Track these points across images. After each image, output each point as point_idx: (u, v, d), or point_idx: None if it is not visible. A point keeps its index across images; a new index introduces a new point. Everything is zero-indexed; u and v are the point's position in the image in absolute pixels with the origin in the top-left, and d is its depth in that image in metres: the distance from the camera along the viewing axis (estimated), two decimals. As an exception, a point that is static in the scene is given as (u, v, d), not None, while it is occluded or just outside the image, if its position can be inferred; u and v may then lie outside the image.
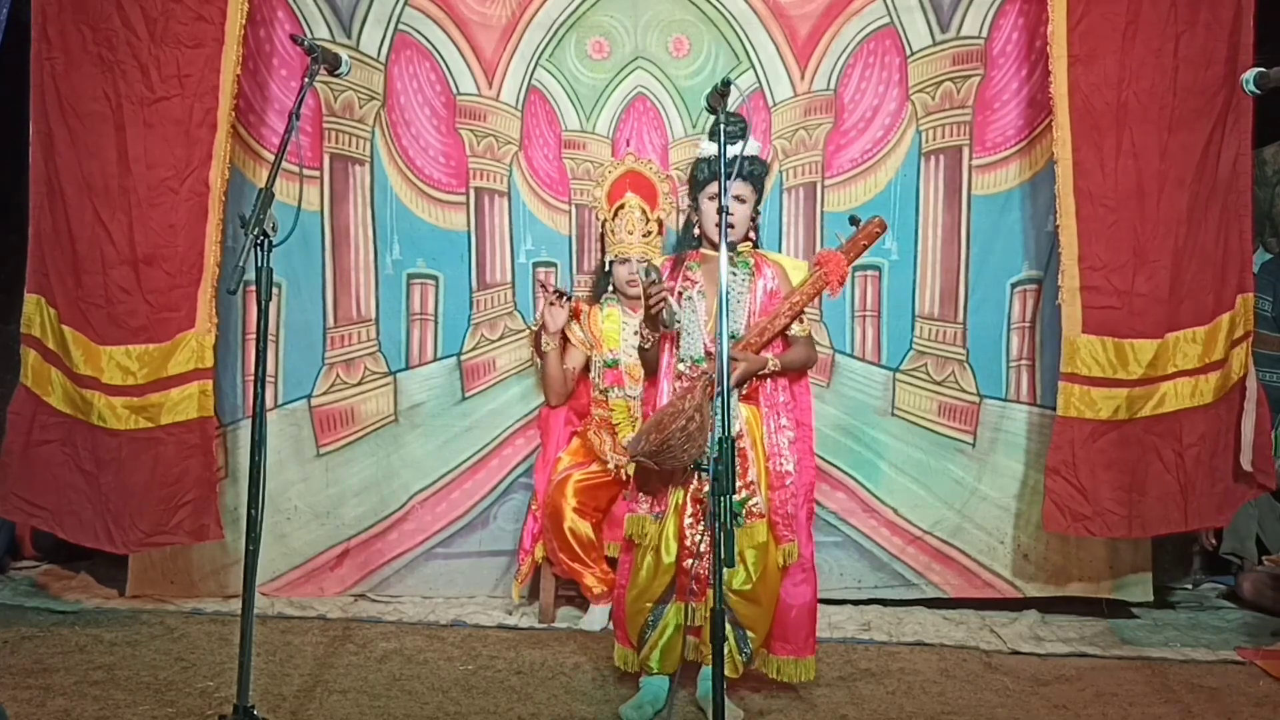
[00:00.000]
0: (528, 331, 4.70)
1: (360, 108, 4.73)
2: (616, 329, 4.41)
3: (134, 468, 4.22)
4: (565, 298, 4.42)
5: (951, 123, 4.62)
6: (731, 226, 3.40)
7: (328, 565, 4.71)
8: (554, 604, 4.44)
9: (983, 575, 4.60)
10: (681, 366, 3.52)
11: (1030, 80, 4.51)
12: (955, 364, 4.64)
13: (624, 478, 4.31)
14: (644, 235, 4.36)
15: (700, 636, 3.41)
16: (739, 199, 3.53)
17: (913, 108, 4.63)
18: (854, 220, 3.59)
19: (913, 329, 4.66)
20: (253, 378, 3.02)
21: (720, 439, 2.80)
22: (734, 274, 3.53)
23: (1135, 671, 3.89)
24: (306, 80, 3.16)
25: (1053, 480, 4.13)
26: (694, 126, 4.72)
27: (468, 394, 4.77)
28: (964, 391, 4.63)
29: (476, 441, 4.75)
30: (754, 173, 3.57)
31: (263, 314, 2.95)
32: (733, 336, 3.45)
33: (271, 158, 4.47)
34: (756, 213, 3.63)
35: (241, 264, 2.86)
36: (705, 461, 3.26)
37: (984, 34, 4.58)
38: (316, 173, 4.70)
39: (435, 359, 4.78)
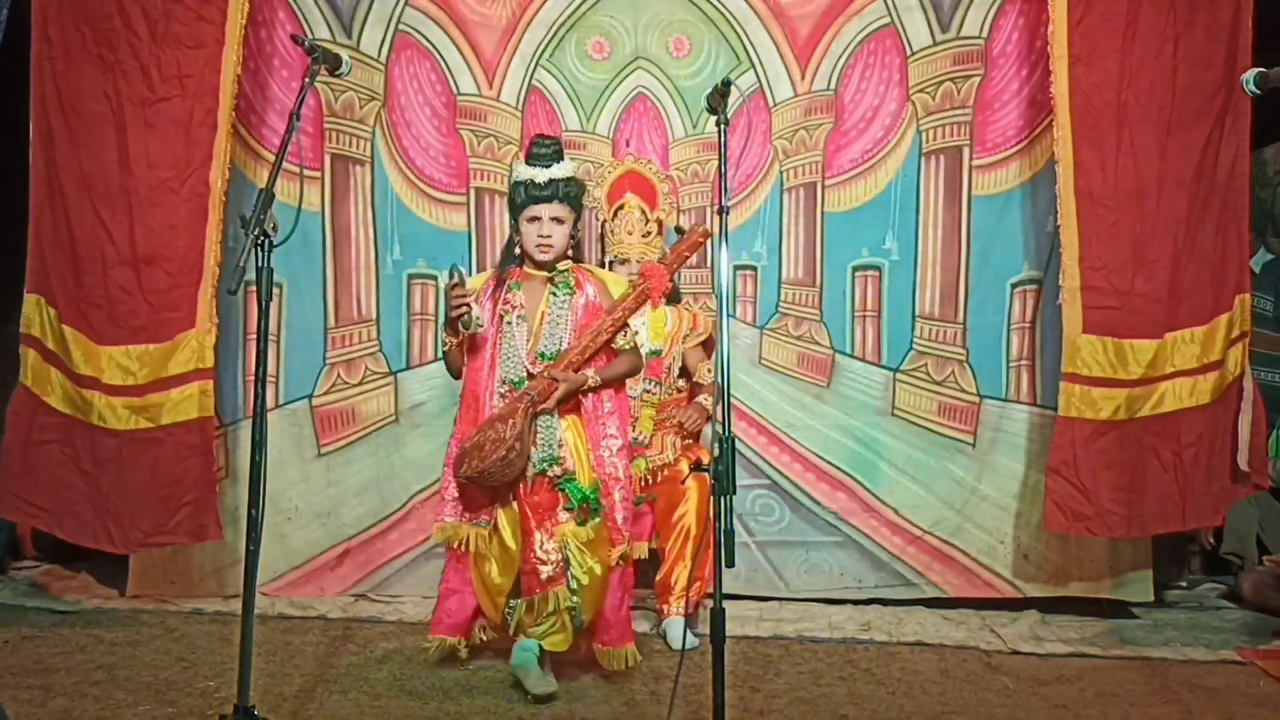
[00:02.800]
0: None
1: (361, 108, 4.73)
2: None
3: (134, 468, 4.22)
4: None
5: (952, 123, 4.62)
6: (550, 247, 3.64)
7: (328, 565, 4.71)
8: (554, 604, 4.43)
9: (983, 575, 4.60)
10: (502, 389, 3.64)
11: (1030, 80, 4.51)
12: (955, 364, 4.64)
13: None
14: (644, 235, 4.36)
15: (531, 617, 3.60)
16: (557, 220, 3.67)
17: (913, 108, 4.64)
18: (678, 229, 3.74)
19: (913, 329, 4.66)
20: (253, 378, 3.02)
21: (721, 440, 2.80)
22: (554, 293, 3.69)
23: (1135, 671, 3.89)
24: (307, 80, 3.17)
25: (1053, 480, 4.13)
26: (694, 127, 4.72)
27: (468, 394, 4.76)
28: (964, 392, 4.63)
29: (477, 441, 4.75)
30: (570, 194, 3.70)
31: (263, 314, 2.95)
32: (544, 355, 3.63)
33: (272, 158, 4.46)
34: (576, 230, 3.76)
35: (242, 264, 2.87)
36: (537, 472, 3.57)
37: (984, 34, 4.58)
38: (317, 173, 4.71)
39: (436, 359, 4.77)
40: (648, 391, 4.36)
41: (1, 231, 4.76)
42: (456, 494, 3.66)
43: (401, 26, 4.73)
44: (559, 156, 3.71)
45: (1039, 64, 4.40)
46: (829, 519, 4.67)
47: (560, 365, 3.59)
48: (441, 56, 4.75)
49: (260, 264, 2.92)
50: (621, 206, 4.37)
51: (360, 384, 4.76)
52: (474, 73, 4.76)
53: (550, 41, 4.73)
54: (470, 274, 4.71)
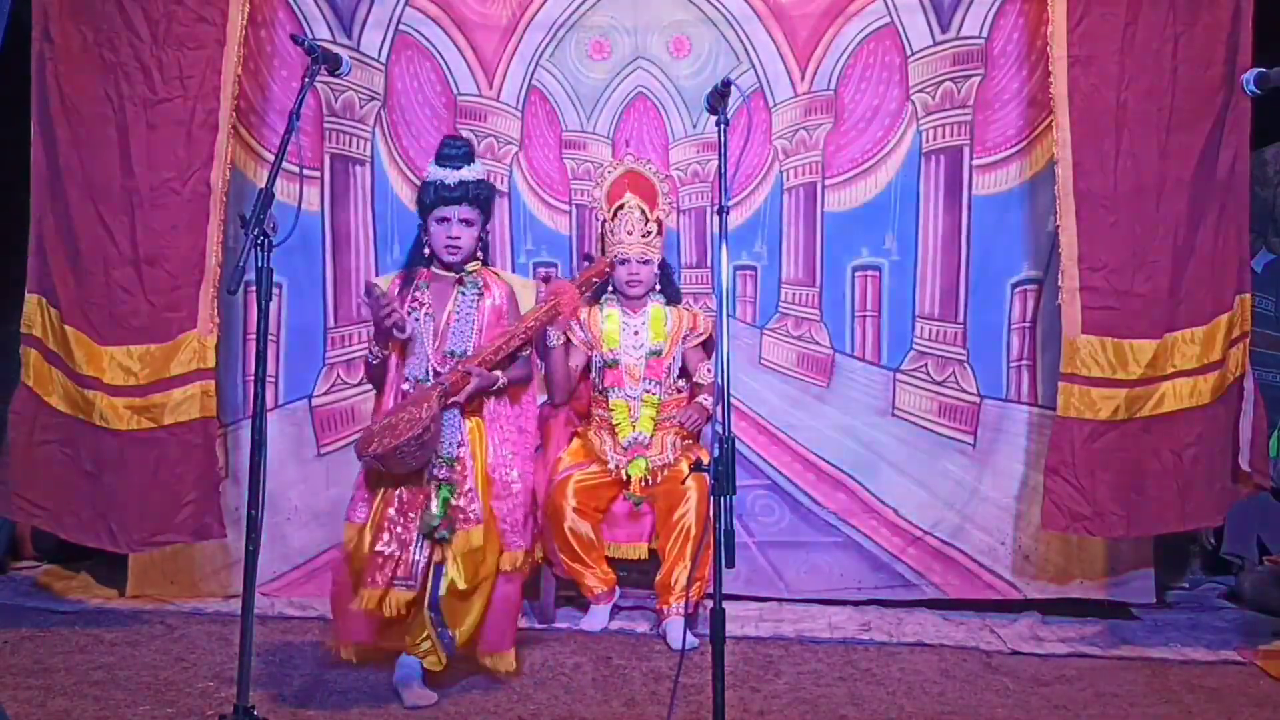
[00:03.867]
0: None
1: (361, 108, 4.74)
2: (616, 329, 4.41)
3: (136, 468, 4.23)
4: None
5: (952, 123, 4.62)
6: (458, 249, 3.66)
7: (328, 566, 4.71)
8: (554, 604, 4.43)
9: (983, 576, 4.59)
10: (406, 386, 3.63)
11: (1030, 80, 4.51)
12: (955, 364, 4.64)
13: (624, 478, 4.32)
14: (643, 235, 4.36)
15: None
16: (466, 222, 3.69)
17: (913, 108, 4.63)
18: (587, 257, 3.92)
19: (913, 329, 4.66)
20: (253, 378, 3.02)
21: (721, 440, 2.80)
22: (462, 293, 3.71)
23: (1135, 672, 3.89)
24: (307, 81, 3.17)
25: (1052, 480, 4.13)
26: (694, 127, 4.72)
27: (468, 394, 4.76)
28: (964, 392, 4.63)
29: (477, 442, 4.75)
30: (479, 195, 3.72)
31: (263, 314, 2.95)
32: (454, 353, 3.64)
33: (272, 158, 4.46)
34: (485, 232, 3.77)
35: (242, 264, 2.87)
36: (430, 471, 3.53)
37: (984, 34, 4.57)
38: (317, 173, 4.71)
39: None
40: (648, 391, 4.37)
41: (3, 232, 4.77)
42: (364, 495, 3.60)
43: (401, 27, 4.73)
44: (469, 158, 3.72)
45: (1039, 64, 4.40)
46: (829, 519, 4.67)
47: (473, 362, 3.59)
48: (441, 57, 4.75)
49: (260, 264, 2.92)
50: (621, 207, 4.37)
51: (360, 384, 4.75)
52: (474, 73, 4.76)
53: (550, 42, 4.73)
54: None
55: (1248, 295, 4.19)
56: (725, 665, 2.80)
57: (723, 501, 2.78)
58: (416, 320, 3.65)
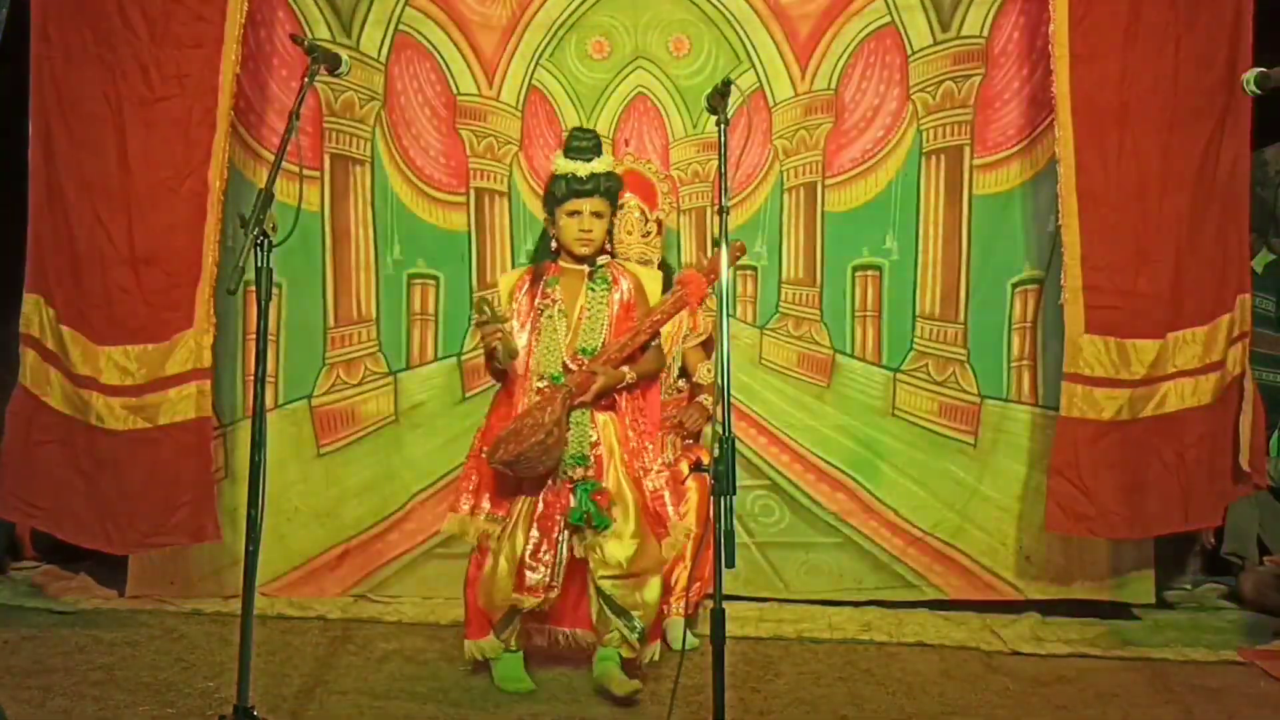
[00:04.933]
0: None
1: (360, 108, 4.73)
2: (617, 329, 4.40)
3: (132, 468, 4.22)
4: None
5: (952, 122, 4.61)
6: (590, 242, 3.64)
7: (328, 565, 4.71)
8: (554, 604, 4.42)
9: (984, 577, 4.59)
10: (539, 384, 3.61)
11: (1031, 80, 4.50)
12: (956, 364, 4.63)
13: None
14: (643, 235, 4.35)
15: (556, 624, 3.65)
16: (597, 214, 3.66)
17: (913, 107, 4.63)
18: (717, 242, 3.66)
19: (913, 329, 4.65)
20: (253, 378, 3.02)
21: (722, 440, 2.80)
22: (592, 288, 3.68)
23: (1136, 672, 3.89)
24: (306, 80, 3.16)
25: (1055, 481, 4.13)
26: (694, 127, 4.72)
27: (468, 394, 4.76)
28: (965, 392, 4.62)
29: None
30: (611, 188, 3.69)
31: (263, 314, 2.94)
32: (585, 351, 3.61)
33: (271, 158, 4.47)
34: (612, 225, 3.76)
35: (241, 264, 2.86)
36: (564, 472, 3.54)
37: (985, 33, 4.57)
38: (317, 173, 4.71)
39: (436, 359, 4.78)
40: (648, 391, 4.37)
41: (1, 232, 4.76)
42: (475, 485, 3.64)
43: (401, 26, 4.72)
44: (599, 150, 3.68)
45: (1040, 63, 4.40)
46: (829, 520, 4.66)
47: (599, 361, 3.57)
48: (441, 56, 4.75)
49: (259, 264, 2.92)
50: (621, 206, 4.36)
51: (360, 384, 4.75)
52: (474, 72, 4.75)
53: (550, 41, 4.73)
54: (470, 274, 4.74)
55: (1248, 295, 4.20)
56: (725, 666, 2.80)
57: (723, 501, 2.78)
58: (549, 317, 3.63)
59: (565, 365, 3.61)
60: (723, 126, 3.01)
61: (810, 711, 3.50)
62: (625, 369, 3.62)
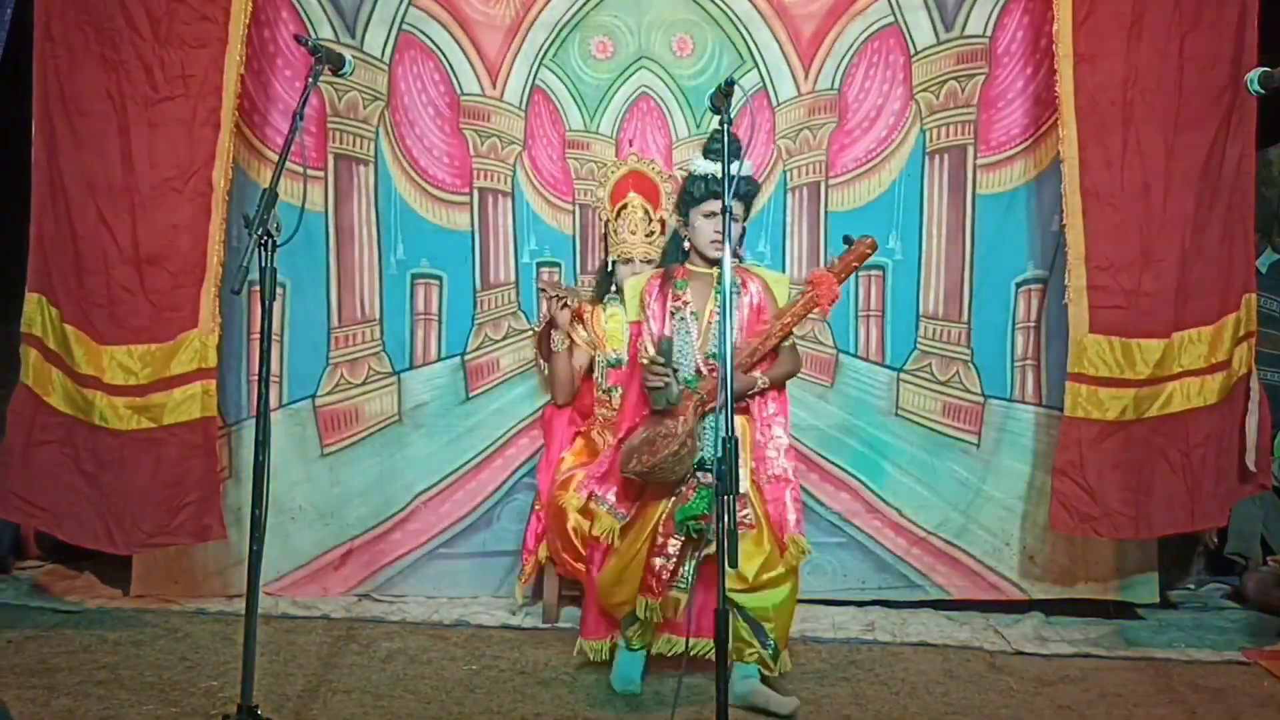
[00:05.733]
0: (531, 332, 4.71)
1: (364, 108, 4.73)
2: (620, 329, 4.40)
3: (136, 468, 4.22)
4: (563, 302, 4.40)
5: (956, 122, 4.61)
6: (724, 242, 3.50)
7: (332, 565, 4.71)
8: (557, 604, 4.43)
9: (988, 577, 4.59)
10: None
11: (1035, 79, 4.50)
12: (960, 364, 4.63)
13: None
14: (647, 235, 4.36)
15: (678, 632, 3.56)
16: (734, 217, 3.55)
17: (917, 107, 4.63)
18: (847, 240, 3.65)
19: (917, 329, 4.65)
20: (257, 377, 3.02)
21: (724, 440, 2.80)
22: (721, 291, 3.56)
23: (1140, 672, 3.89)
24: (310, 80, 3.16)
25: (1060, 481, 4.12)
26: (698, 126, 4.72)
27: (471, 394, 4.77)
28: (968, 392, 4.62)
29: (480, 442, 4.75)
30: (748, 192, 3.65)
31: (267, 314, 2.95)
32: (716, 355, 3.52)
33: (275, 157, 4.48)
34: (744, 229, 3.70)
35: (246, 264, 2.87)
36: (693, 474, 3.47)
37: (988, 33, 4.57)
38: (320, 173, 4.71)
39: (439, 359, 4.78)
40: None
41: (3, 231, 4.76)
42: (603, 473, 3.63)
43: (405, 26, 4.72)
44: (738, 153, 3.60)
45: (1043, 62, 4.40)
46: (833, 519, 4.66)
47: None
48: (445, 56, 4.74)
49: (264, 263, 2.92)
50: (624, 206, 4.37)
51: (363, 384, 4.75)
52: (477, 72, 4.75)
53: (554, 41, 4.73)
54: (473, 274, 4.74)
55: (1253, 295, 4.19)
56: (728, 665, 2.79)
57: (726, 500, 2.78)
58: (682, 320, 3.60)
59: (698, 368, 3.56)
60: (726, 126, 3.01)
61: (814, 711, 3.50)
62: (757, 374, 3.56)
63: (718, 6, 4.67)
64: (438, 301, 4.78)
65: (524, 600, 4.49)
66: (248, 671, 2.92)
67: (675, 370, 3.51)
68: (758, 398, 3.59)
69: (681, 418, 3.43)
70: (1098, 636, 4.25)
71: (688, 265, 3.69)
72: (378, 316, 4.77)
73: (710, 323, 3.60)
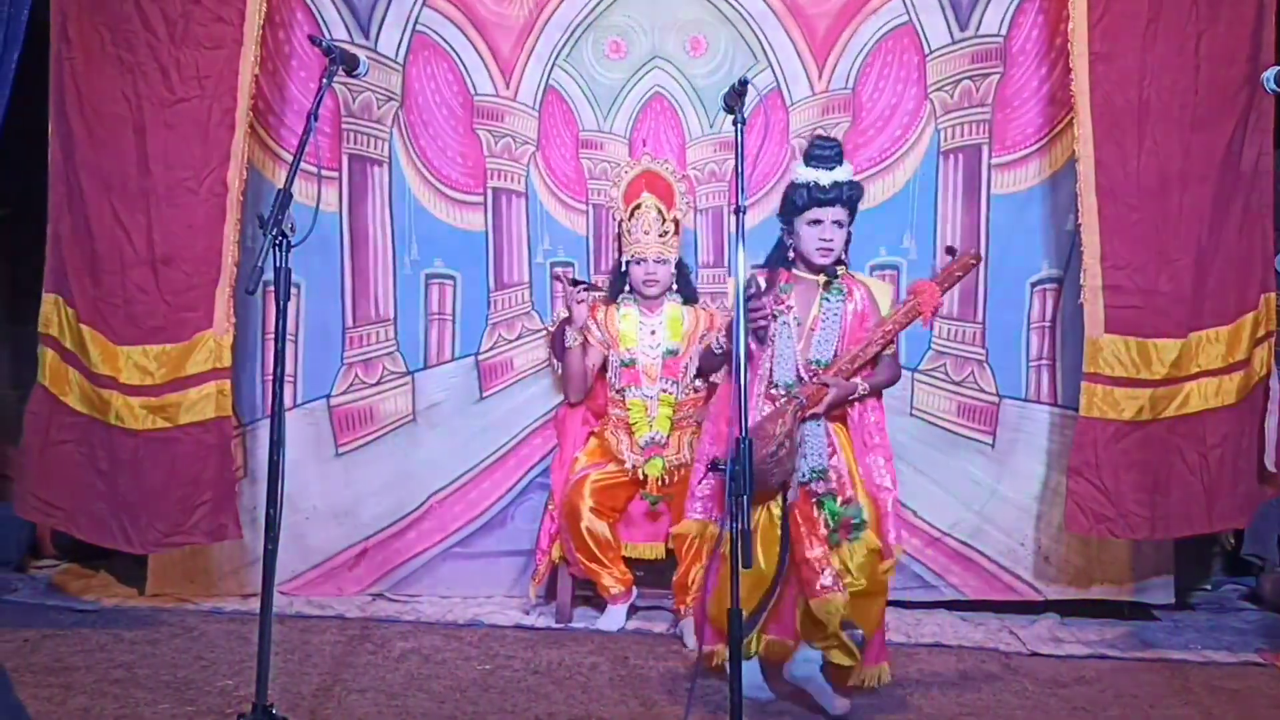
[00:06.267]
0: (545, 331, 4.71)
1: (378, 108, 4.74)
2: (633, 328, 4.41)
3: (151, 468, 4.24)
4: (588, 287, 4.43)
5: (970, 121, 4.60)
6: (831, 251, 3.53)
7: (346, 565, 4.72)
8: (571, 604, 4.43)
9: (1003, 577, 4.57)
10: (773, 392, 3.52)
11: (1050, 78, 4.49)
12: (974, 364, 4.62)
13: (641, 477, 4.32)
14: (660, 235, 4.36)
15: (776, 634, 3.52)
16: (838, 224, 3.54)
17: (931, 106, 4.62)
18: (949, 250, 3.62)
19: (931, 328, 4.63)
20: (272, 377, 3.03)
21: (739, 439, 2.79)
22: (827, 298, 3.57)
23: (1155, 673, 3.87)
24: (324, 81, 3.17)
25: (1075, 481, 4.11)
26: (711, 126, 4.71)
27: (485, 394, 4.77)
28: (983, 391, 4.60)
29: (494, 441, 4.76)
30: (852, 197, 3.58)
31: (281, 314, 2.95)
32: (818, 361, 3.51)
33: (290, 158, 4.48)
34: (849, 235, 3.63)
35: (260, 264, 2.88)
36: (803, 482, 3.43)
37: (1003, 32, 4.56)
38: (335, 173, 4.72)
39: (453, 359, 4.78)
40: (664, 391, 4.37)
41: (21, 231, 4.79)
42: (708, 491, 3.57)
43: (419, 27, 4.73)
44: (841, 159, 3.55)
45: (1059, 61, 4.38)
46: (847, 519, 4.64)
47: (831, 372, 3.47)
48: (459, 57, 4.75)
49: (278, 264, 2.93)
50: (638, 206, 4.37)
51: (378, 384, 4.76)
52: (491, 73, 4.76)
53: (567, 41, 4.73)
54: (487, 274, 4.74)
55: (1273, 294, 4.17)
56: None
57: (739, 501, 2.77)
58: (785, 324, 3.55)
59: (799, 372, 3.53)
60: (739, 126, 3.00)
61: (827, 711, 3.49)
62: (858, 381, 3.51)
63: (731, 6, 4.67)
64: (452, 301, 4.79)
65: (537, 600, 4.50)
66: (263, 670, 2.93)
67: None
68: (858, 406, 3.55)
69: (780, 420, 3.37)
70: (1113, 638, 4.24)
71: (794, 271, 3.62)
72: (392, 316, 4.78)
73: (813, 329, 3.55)
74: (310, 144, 3.06)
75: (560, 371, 4.58)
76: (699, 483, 3.60)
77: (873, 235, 4.64)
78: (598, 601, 4.44)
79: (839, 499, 3.44)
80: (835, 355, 3.53)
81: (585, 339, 4.41)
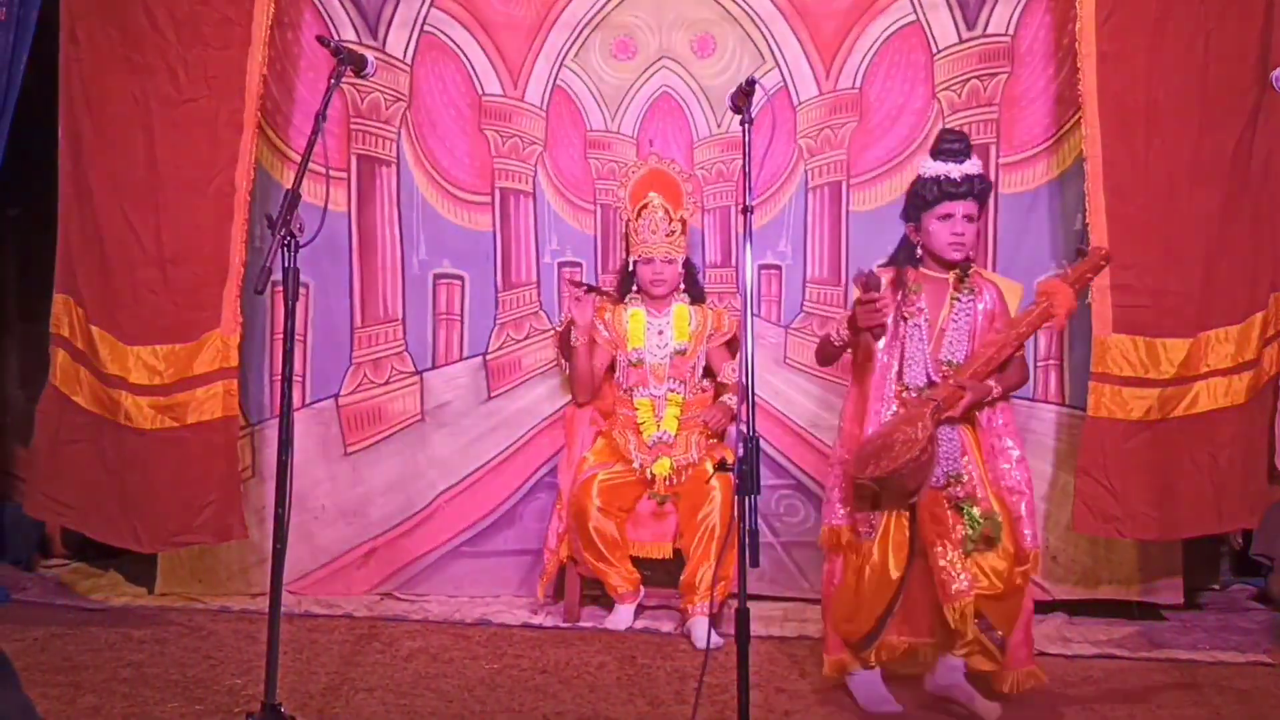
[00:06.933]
0: (553, 331, 4.71)
1: (386, 109, 4.75)
2: (641, 328, 4.41)
3: (159, 467, 4.25)
4: (591, 290, 4.44)
5: (978, 121, 4.58)
6: (963, 246, 3.47)
7: (354, 564, 4.73)
8: (579, 603, 4.44)
9: (1010, 576, 4.56)
10: (905, 394, 3.47)
11: (1058, 78, 4.47)
12: (982, 363, 4.60)
13: (648, 477, 4.32)
14: (668, 235, 4.36)
15: (909, 636, 3.46)
16: (969, 218, 3.49)
17: (938, 106, 4.61)
18: (1080, 250, 3.56)
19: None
20: (280, 377, 3.04)
21: (746, 439, 2.79)
22: (957, 298, 3.51)
23: (1164, 673, 3.86)
24: (333, 82, 3.17)
25: (1083, 481, 4.09)
26: (718, 126, 4.71)
27: (493, 393, 4.78)
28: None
29: (502, 441, 4.76)
30: (983, 191, 3.52)
31: (290, 314, 2.96)
32: (950, 362, 3.46)
33: (298, 158, 4.49)
34: (979, 231, 3.58)
35: (268, 264, 2.88)
36: (950, 485, 3.38)
37: (1011, 31, 4.54)
38: (343, 173, 4.73)
39: (461, 359, 4.79)
40: (672, 391, 4.37)
41: (31, 232, 4.81)
42: (844, 495, 3.52)
43: (427, 28, 4.74)
44: (969, 151, 3.49)
45: (1066, 61, 4.37)
46: (855, 519, 4.64)
47: (965, 374, 3.40)
48: (466, 57, 4.76)
49: (286, 264, 2.93)
50: (645, 206, 4.37)
51: (386, 383, 4.77)
52: (498, 73, 4.76)
53: (574, 41, 4.73)
54: (495, 274, 4.75)
55: (1283, 293, 4.15)
56: (750, 665, 2.79)
57: (747, 501, 2.77)
58: (917, 326, 3.49)
59: (929, 375, 3.46)
60: (747, 126, 2.99)
61: (835, 711, 3.49)
62: (991, 383, 3.44)
63: (739, 5, 4.66)
64: (460, 301, 4.80)
65: (545, 599, 4.50)
66: (271, 669, 2.93)
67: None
68: (987, 410, 3.49)
69: (920, 424, 3.30)
70: (1121, 637, 4.22)
71: (922, 269, 3.56)
72: (400, 316, 4.79)
73: (943, 329, 3.49)
74: (318, 144, 3.06)
75: (568, 372, 4.58)
76: (836, 488, 3.55)
77: (880, 235, 4.61)
78: (605, 601, 4.44)
79: (977, 506, 3.38)
80: (968, 356, 3.46)
81: (591, 339, 4.42)
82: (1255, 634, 4.32)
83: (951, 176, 3.45)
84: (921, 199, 3.51)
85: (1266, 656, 4.00)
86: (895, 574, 3.40)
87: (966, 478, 3.41)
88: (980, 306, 3.53)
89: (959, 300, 3.51)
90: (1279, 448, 4.13)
